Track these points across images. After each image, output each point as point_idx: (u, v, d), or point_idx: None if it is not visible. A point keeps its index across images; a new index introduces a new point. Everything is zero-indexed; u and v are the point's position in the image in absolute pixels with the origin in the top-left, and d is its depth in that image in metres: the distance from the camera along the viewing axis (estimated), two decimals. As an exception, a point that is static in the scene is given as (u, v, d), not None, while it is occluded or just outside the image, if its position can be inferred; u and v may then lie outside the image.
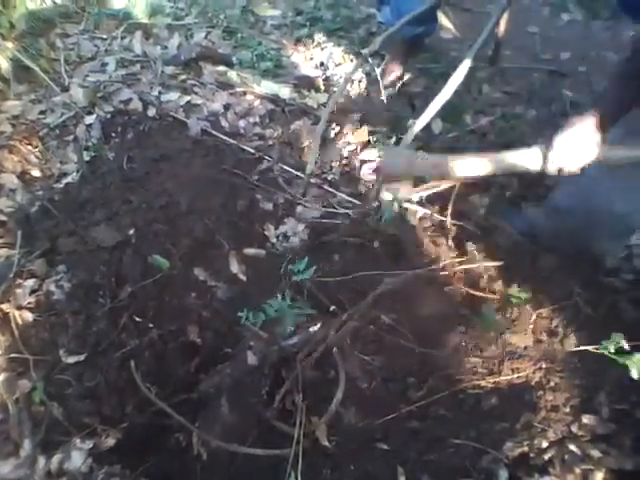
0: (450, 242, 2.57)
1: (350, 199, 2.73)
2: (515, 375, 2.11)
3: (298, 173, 2.83)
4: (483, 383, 2.12)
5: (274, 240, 2.63)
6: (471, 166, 2.19)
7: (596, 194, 2.17)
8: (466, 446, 1.99)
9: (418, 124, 2.53)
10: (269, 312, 2.08)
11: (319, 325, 2.19)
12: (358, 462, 1.97)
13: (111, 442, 1.91)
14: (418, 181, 2.52)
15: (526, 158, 2.08)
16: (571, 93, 3.71)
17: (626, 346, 1.56)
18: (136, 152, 2.83)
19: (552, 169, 2.01)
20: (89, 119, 3.17)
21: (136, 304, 2.36)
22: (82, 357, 2.15)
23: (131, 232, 2.48)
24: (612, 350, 1.58)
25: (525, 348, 2.18)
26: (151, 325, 2.33)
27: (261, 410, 2.02)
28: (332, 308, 2.29)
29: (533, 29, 4.28)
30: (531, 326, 2.23)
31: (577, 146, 1.94)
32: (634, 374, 1.54)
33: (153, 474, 1.90)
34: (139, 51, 3.71)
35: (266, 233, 2.64)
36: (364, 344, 2.27)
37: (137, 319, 2.33)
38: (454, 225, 2.59)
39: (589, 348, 1.69)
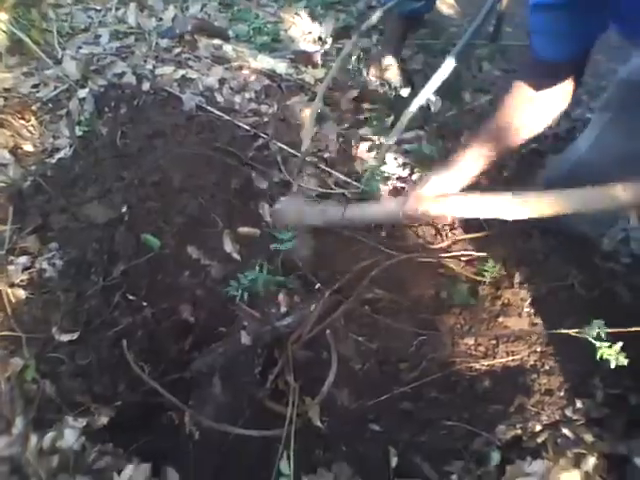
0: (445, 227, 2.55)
1: (346, 179, 2.69)
2: (509, 358, 2.11)
3: (293, 151, 2.79)
4: (477, 366, 2.11)
5: (268, 219, 2.59)
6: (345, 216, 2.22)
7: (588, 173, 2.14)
8: (459, 428, 2.00)
9: (415, 102, 2.47)
10: (242, 282, 2.14)
11: (313, 306, 2.19)
12: (350, 443, 1.97)
13: (104, 420, 1.91)
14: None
15: (386, 208, 2.18)
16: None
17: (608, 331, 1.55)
18: (129, 127, 2.78)
19: (406, 218, 2.04)
20: (82, 93, 3.12)
21: (129, 282, 2.33)
22: (75, 335, 2.13)
23: (124, 209, 2.44)
24: (593, 335, 1.57)
25: (520, 331, 2.16)
26: (144, 303, 2.31)
27: (254, 390, 2.01)
28: (317, 286, 2.28)
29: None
30: (526, 309, 2.21)
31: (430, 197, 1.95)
32: (612, 364, 1.54)
33: (145, 452, 1.89)
34: (133, 23, 3.64)
35: (260, 212, 2.61)
36: (359, 325, 2.26)
37: (130, 297, 2.31)
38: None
39: (572, 332, 1.68)
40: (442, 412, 2.04)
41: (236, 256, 2.52)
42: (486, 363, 2.11)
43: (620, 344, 1.53)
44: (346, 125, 3.07)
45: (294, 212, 2.43)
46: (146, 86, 3.15)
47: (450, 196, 1.93)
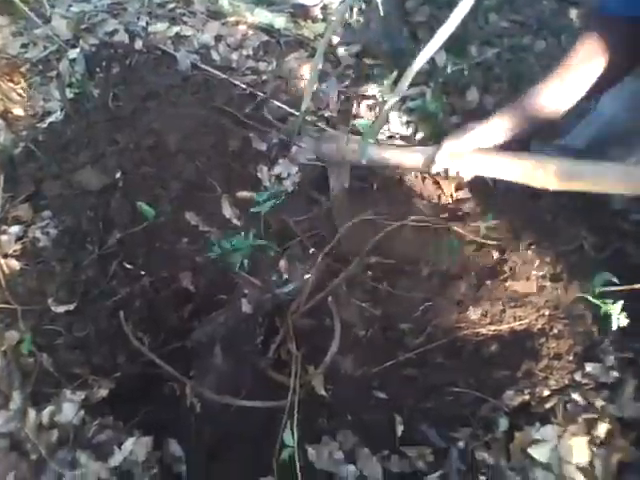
0: (450, 187, 2.46)
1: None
2: (517, 323, 2.05)
3: (293, 110, 2.68)
4: (483, 331, 2.06)
5: (267, 183, 2.51)
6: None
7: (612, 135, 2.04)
8: (465, 394, 1.96)
9: (420, 58, 2.35)
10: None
11: (313, 272, 2.13)
12: (355, 411, 1.94)
13: (103, 393, 1.87)
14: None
15: (416, 156, 2.12)
16: (582, 23, 3.49)
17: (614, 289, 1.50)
18: (122, 89, 2.67)
19: (435, 170, 1.98)
20: (73, 53, 2.99)
21: (125, 251, 2.27)
22: (71, 306, 2.07)
23: (118, 175, 2.36)
24: (596, 293, 1.52)
25: (527, 295, 2.10)
26: (142, 272, 2.26)
27: (256, 360, 1.98)
28: (312, 250, 2.21)
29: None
30: (534, 272, 2.15)
31: (464, 152, 1.84)
32: (613, 324, 1.48)
33: (146, 425, 1.86)
34: (125, -23, 3.46)
35: (259, 175, 2.52)
36: (361, 291, 2.21)
37: (127, 266, 2.25)
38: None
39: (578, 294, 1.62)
40: (448, 378, 2.00)
41: (236, 221, 2.45)
42: (493, 328, 2.06)
43: (620, 302, 1.48)
44: (347, 82, 2.94)
45: (332, 147, 2.38)
46: (139, 44, 3.02)
47: (484, 154, 1.84)
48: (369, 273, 2.25)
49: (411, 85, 2.59)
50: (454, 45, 3.08)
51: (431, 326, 2.10)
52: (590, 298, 1.52)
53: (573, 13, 3.55)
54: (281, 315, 2.06)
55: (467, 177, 1.98)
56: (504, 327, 2.05)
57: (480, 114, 2.81)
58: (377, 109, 2.77)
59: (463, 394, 1.94)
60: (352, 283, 2.19)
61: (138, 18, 3.21)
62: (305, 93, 2.57)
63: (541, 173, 1.66)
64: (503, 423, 1.87)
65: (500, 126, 1.87)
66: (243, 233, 2.07)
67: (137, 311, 2.16)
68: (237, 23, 3.22)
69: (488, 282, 2.17)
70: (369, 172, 2.48)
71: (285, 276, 2.17)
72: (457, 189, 2.48)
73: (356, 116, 2.78)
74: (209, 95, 2.71)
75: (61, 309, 2.07)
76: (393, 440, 1.87)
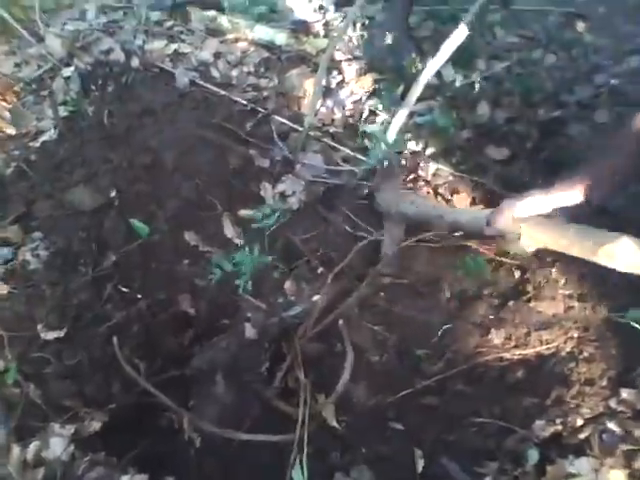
0: (468, 200, 2.33)
1: (355, 154, 2.47)
2: (544, 346, 1.90)
3: (296, 126, 2.57)
4: (507, 355, 1.91)
5: (271, 201, 2.38)
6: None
7: None
8: (490, 425, 1.80)
9: (426, 72, 2.26)
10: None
11: (322, 293, 1.99)
12: (370, 444, 1.78)
13: (95, 426, 1.71)
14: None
15: (473, 215, 1.99)
16: (591, 36, 3.41)
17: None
18: (117, 106, 2.56)
19: (490, 232, 1.82)
20: (67, 71, 2.88)
21: (121, 273, 2.14)
22: (62, 332, 1.93)
23: (113, 194, 2.23)
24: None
25: (554, 316, 1.96)
26: (138, 296, 2.12)
27: (260, 389, 1.83)
28: (320, 270, 2.08)
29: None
30: (560, 291, 2.00)
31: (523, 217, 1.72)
32: None
33: (142, 461, 1.70)
34: (122, -3, 3.39)
35: (262, 193, 2.40)
36: (373, 314, 2.06)
37: (122, 289, 2.11)
38: (471, 181, 2.34)
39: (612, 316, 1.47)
40: (470, 407, 1.84)
41: (238, 241, 2.32)
42: (517, 352, 1.91)
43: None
44: (353, 98, 2.84)
45: (392, 198, 2.25)
46: (135, 62, 2.91)
47: (544, 224, 1.71)
48: (382, 295, 2.10)
49: (419, 100, 2.50)
50: (461, 59, 2.99)
51: (450, 351, 1.95)
52: (633, 323, 1.37)
53: (580, 26, 3.47)
54: (288, 340, 1.91)
55: (526, 245, 1.81)
56: (530, 351, 1.90)
57: (491, 128, 2.76)
58: (385, 124, 2.65)
59: (487, 424, 1.79)
60: (364, 305, 2.04)
61: (134, 36, 3.11)
62: (309, 108, 2.46)
63: (603, 253, 1.52)
64: (533, 456, 1.71)
65: (561, 194, 1.73)
66: (247, 249, 1.91)
67: (133, 337, 2.02)
68: (236, 40, 3.13)
69: (510, 303, 2.02)
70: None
71: (292, 298, 2.03)
72: (472, 202, 2.35)
73: (364, 132, 2.65)
74: (208, 112, 2.60)
75: (51, 335, 1.92)
76: (413, 476, 1.71)
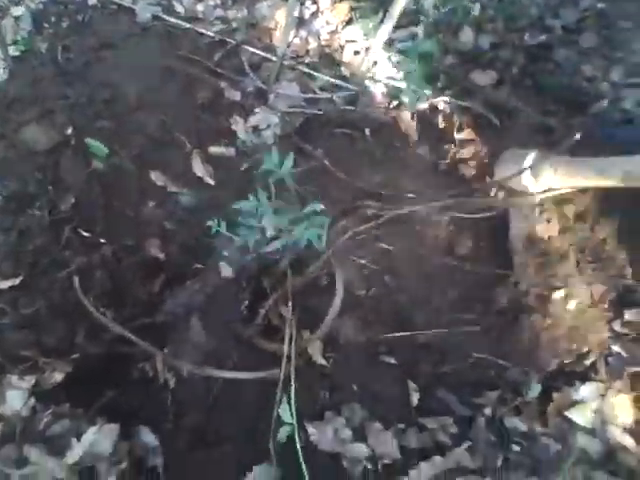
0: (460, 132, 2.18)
1: (334, 80, 2.28)
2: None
3: (268, 55, 2.37)
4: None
5: (243, 136, 2.20)
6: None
7: None
8: (489, 357, 1.67)
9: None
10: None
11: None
12: (361, 381, 1.64)
13: (58, 377, 1.55)
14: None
15: None
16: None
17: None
18: (73, 40, 2.35)
19: None
20: (17, 10, 2.65)
21: (81, 216, 1.95)
22: (17, 280, 1.74)
23: (69, 131, 2.03)
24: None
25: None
26: (102, 240, 1.94)
27: (241, 328, 1.67)
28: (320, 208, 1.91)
29: None
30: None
31: None
32: None
33: (113, 411, 1.54)
34: None
35: (234, 127, 2.21)
36: (360, 247, 1.91)
37: (83, 233, 1.93)
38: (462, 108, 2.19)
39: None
40: (467, 338, 1.71)
41: (209, 180, 2.14)
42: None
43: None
44: (329, 28, 2.64)
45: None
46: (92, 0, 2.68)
47: None
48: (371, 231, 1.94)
49: (400, 27, 2.33)
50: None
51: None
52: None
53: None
54: (270, 276, 1.75)
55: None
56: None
57: (476, 54, 2.59)
58: (363, 53, 2.47)
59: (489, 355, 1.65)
60: (351, 239, 1.88)
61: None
62: (281, 39, 2.26)
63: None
64: (536, 385, 1.58)
65: None
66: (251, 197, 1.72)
67: (97, 283, 1.84)
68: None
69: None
70: (359, 116, 2.18)
71: (270, 234, 1.86)
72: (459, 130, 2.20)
73: (340, 62, 2.47)
74: (172, 44, 2.39)
75: (4, 284, 1.74)
76: (408, 411, 1.58)
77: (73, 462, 1.34)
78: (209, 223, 1.98)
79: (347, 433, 1.54)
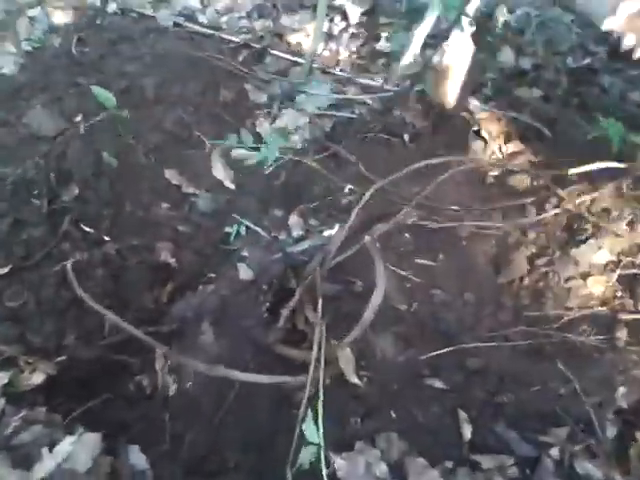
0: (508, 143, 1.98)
1: (369, 82, 2.11)
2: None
3: (296, 59, 2.21)
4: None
5: (269, 138, 2.00)
6: None
7: None
8: (554, 386, 1.40)
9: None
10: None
11: (336, 228, 1.60)
12: (401, 406, 1.36)
13: (37, 379, 1.30)
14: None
15: None
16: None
17: None
18: (88, 34, 2.20)
19: None
20: (33, 12, 2.53)
21: (85, 210, 1.75)
22: (5, 269, 1.51)
23: (78, 118, 1.84)
24: None
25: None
26: (106, 238, 1.72)
27: (260, 334, 1.41)
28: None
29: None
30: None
31: None
32: None
33: (97, 421, 1.26)
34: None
35: (258, 130, 2.02)
36: (400, 258, 1.67)
37: (86, 228, 1.71)
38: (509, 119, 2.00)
39: None
40: (530, 365, 1.44)
41: (229, 184, 1.93)
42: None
43: None
44: (359, 42, 2.50)
45: None
46: (112, 7, 2.56)
47: None
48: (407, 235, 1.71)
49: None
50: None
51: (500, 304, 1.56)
52: None
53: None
54: (296, 277, 1.50)
55: None
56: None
57: (518, 72, 2.43)
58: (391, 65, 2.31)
59: (552, 383, 1.38)
60: (387, 245, 1.65)
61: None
62: (311, 43, 2.10)
63: None
64: (613, 421, 1.31)
65: None
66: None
67: (97, 283, 1.60)
68: (228, -15, 2.79)
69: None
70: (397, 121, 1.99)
71: (298, 233, 1.64)
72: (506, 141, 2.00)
73: (374, 73, 2.30)
74: (195, 45, 2.24)
75: (-9, 273, 1.50)
76: (459, 446, 1.30)
77: (41, 477, 1.06)
78: (227, 229, 1.78)
79: (383, 468, 1.26)
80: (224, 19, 2.62)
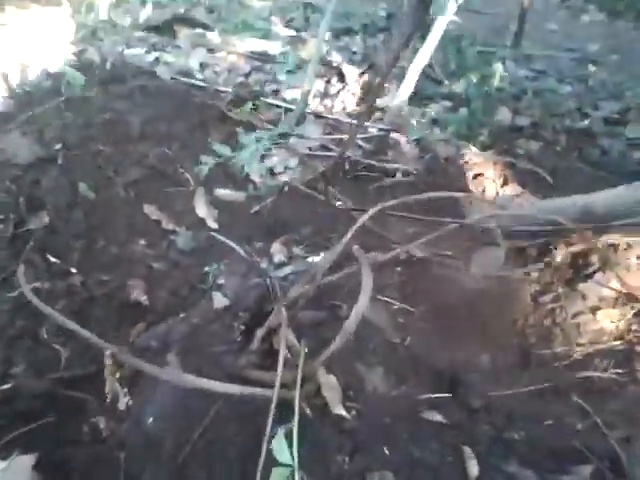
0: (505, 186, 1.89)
1: (362, 124, 2.04)
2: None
3: (290, 106, 2.17)
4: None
5: (257, 179, 1.92)
6: None
7: None
8: (570, 421, 1.21)
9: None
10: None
11: (321, 255, 1.47)
12: (396, 442, 1.16)
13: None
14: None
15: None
16: (607, 75, 3.17)
17: None
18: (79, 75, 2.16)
19: None
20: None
21: (54, 239, 1.62)
22: (-47, 290, 1.37)
23: (57, 147, 1.77)
24: None
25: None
26: (73, 270, 1.58)
27: (231, 359, 1.23)
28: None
29: (552, 26, 3.86)
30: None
31: None
32: None
33: (33, 445, 1.07)
34: (105, 17, 3.14)
35: (246, 169, 1.94)
36: (389, 288, 1.52)
37: (51, 259, 1.57)
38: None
39: None
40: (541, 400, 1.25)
41: (212, 223, 1.81)
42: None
43: None
44: (354, 98, 2.48)
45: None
46: (109, 63, 2.57)
47: None
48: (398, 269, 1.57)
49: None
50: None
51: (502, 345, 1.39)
52: None
53: (592, 68, 3.26)
54: (276, 302, 1.34)
55: None
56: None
57: (515, 129, 2.39)
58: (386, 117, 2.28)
59: (569, 416, 1.19)
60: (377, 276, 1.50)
61: (114, 46, 2.82)
62: (306, 84, 2.07)
63: None
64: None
65: None
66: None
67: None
68: (227, 53, 2.83)
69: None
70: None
71: (278, 259, 1.50)
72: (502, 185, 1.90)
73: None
74: (188, 91, 2.21)
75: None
76: (464, 488, 1.09)
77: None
78: (207, 269, 1.65)
79: (376, 514, 1.05)
80: (221, 79, 2.63)
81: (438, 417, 1.20)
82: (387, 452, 1.14)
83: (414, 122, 2.11)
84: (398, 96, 1.98)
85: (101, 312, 1.54)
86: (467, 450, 1.13)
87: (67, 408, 1.28)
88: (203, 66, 2.73)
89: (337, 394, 1.18)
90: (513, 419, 1.22)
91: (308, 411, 1.14)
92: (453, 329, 1.45)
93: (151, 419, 1.19)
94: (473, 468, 1.11)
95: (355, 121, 2.06)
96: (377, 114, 2.33)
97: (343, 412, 1.16)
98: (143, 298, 1.61)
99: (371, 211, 1.43)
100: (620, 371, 1.31)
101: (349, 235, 1.35)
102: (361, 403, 1.21)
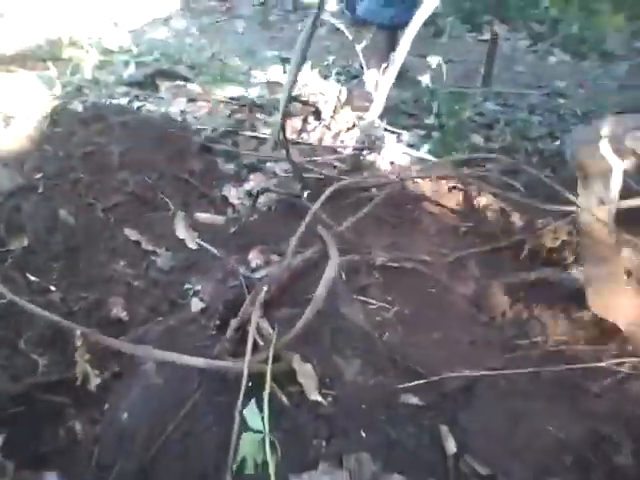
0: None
1: (338, 144, 2.12)
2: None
3: (267, 135, 2.25)
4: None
5: (236, 201, 1.97)
6: None
7: None
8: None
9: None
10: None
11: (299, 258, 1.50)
12: (373, 425, 1.14)
13: None
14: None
15: None
16: (578, 108, 3.30)
17: None
18: (61, 116, 2.24)
19: None
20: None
21: (33, 260, 1.64)
22: None
23: (38, 176, 1.81)
24: None
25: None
26: (52, 287, 1.59)
27: (205, 351, 1.23)
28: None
29: (521, 68, 4.04)
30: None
31: None
32: None
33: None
34: (89, 76, 3.27)
35: (225, 193, 1.99)
36: (368, 288, 1.54)
37: (31, 277, 1.59)
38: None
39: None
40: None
41: (191, 245, 1.84)
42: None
43: None
44: (331, 133, 2.56)
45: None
46: (92, 107, 2.66)
47: None
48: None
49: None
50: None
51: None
52: None
53: (562, 101, 3.40)
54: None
55: None
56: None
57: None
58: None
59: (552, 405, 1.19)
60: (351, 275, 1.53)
61: (98, 99, 2.92)
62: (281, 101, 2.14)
63: None
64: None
65: None
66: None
67: (35, 325, 1.45)
68: (207, 101, 2.94)
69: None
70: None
71: (255, 263, 1.53)
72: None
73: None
74: (166, 124, 2.28)
75: None
76: (442, 464, 1.07)
77: None
78: (187, 286, 1.67)
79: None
80: (202, 120, 2.72)
81: (414, 399, 1.19)
82: (364, 435, 1.12)
83: (387, 141, 2.19)
84: (370, 113, 2.04)
85: (81, 322, 1.54)
86: (444, 429, 1.12)
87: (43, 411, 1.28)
88: (184, 113, 2.82)
89: (313, 381, 1.17)
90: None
91: (284, 399, 1.13)
92: (429, 324, 1.46)
93: (125, 414, 1.18)
94: (451, 445, 1.09)
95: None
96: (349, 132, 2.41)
97: (319, 398, 1.16)
98: (123, 314, 1.62)
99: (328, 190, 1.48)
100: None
101: (310, 215, 1.39)
102: (338, 390, 1.20)
